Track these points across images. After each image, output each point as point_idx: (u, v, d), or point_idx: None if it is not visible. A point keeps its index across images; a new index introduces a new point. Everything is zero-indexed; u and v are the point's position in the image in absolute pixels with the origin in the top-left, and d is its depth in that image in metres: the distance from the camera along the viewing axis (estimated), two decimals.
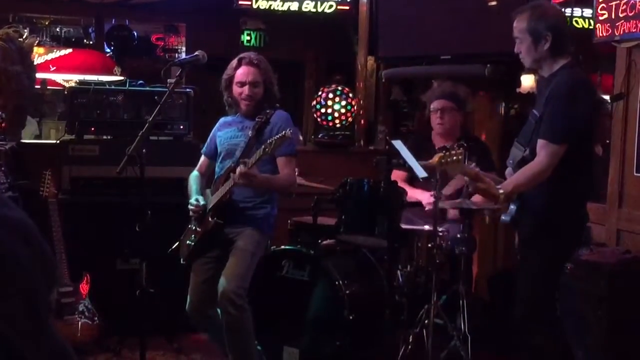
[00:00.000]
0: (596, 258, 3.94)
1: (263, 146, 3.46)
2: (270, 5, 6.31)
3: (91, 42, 7.93)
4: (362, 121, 6.36)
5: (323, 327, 4.05)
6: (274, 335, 4.14)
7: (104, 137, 4.93)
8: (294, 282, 4.14)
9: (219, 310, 3.75)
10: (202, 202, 3.82)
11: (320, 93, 6.21)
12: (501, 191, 3.12)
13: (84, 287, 4.41)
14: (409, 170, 4.50)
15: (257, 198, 3.85)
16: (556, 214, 3.28)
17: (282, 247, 4.27)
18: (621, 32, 4.15)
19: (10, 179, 4.31)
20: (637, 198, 4.22)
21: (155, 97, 4.60)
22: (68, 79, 6.57)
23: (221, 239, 3.82)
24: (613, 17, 4.20)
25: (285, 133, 3.41)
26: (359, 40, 6.38)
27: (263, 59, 3.94)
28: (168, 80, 4.37)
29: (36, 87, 5.58)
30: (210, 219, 3.79)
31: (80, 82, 5.02)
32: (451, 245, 4.29)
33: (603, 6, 4.27)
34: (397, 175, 4.34)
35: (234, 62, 3.92)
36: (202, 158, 4.10)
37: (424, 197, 4.47)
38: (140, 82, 4.97)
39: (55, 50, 6.91)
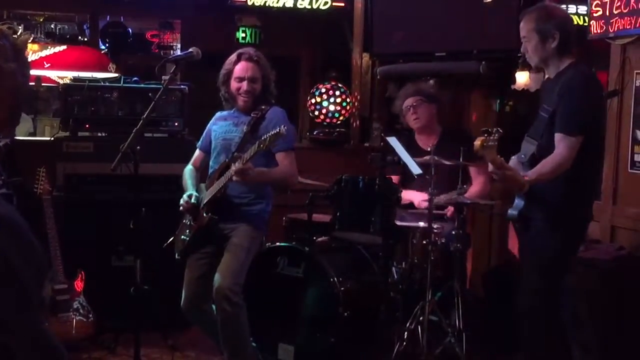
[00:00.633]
0: (591, 255, 3.95)
1: (257, 142, 3.46)
2: (265, 2, 6.31)
3: (86, 39, 7.92)
4: (357, 118, 6.36)
5: (318, 323, 4.05)
6: (269, 332, 4.14)
7: (99, 134, 4.92)
8: (288, 278, 4.14)
9: (213, 306, 3.76)
10: (194, 199, 3.81)
11: (315, 90, 6.21)
12: (527, 179, 3.16)
13: (79, 284, 4.41)
14: (402, 171, 4.52)
15: (252, 194, 3.85)
16: (571, 208, 3.33)
17: (277, 243, 4.27)
18: (615, 29, 4.16)
19: (4, 176, 4.30)
20: (631, 195, 4.23)
21: (150, 94, 4.60)
22: (62, 76, 6.56)
23: (216, 234, 3.81)
24: (607, 13, 4.21)
25: (279, 130, 3.40)
26: (354, 37, 6.38)
27: (262, 56, 3.92)
28: (163, 77, 4.36)
29: (30, 84, 5.56)
30: (204, 214, 3.78)
31: (75, 79, 5.01)
32: (446, 241, 4.30)
33: (597, 3, 4.28)
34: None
35: (233, 57, 3.90)
36: (197, 152, 4.10)
37: (417, 197, 4.48)
38: (135, 78, 4.96)
39: (49, 47, 6.89)
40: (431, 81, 5.23)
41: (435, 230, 4.16)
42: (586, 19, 4.56)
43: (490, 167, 3.12)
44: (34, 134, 7.32)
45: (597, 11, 4.27)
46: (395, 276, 4.32)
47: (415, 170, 4.24)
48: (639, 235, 4.12)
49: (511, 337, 4.07)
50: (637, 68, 4.20)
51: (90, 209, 4.67)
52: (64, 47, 7.01)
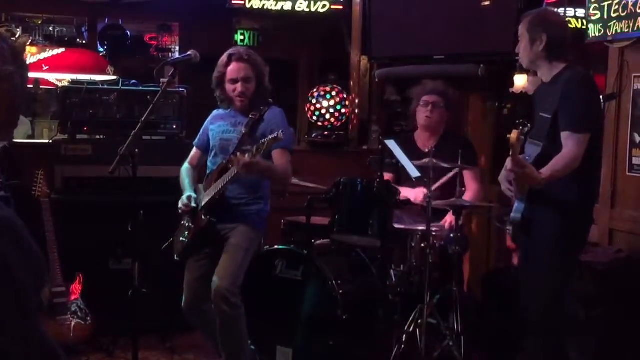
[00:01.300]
0: (589, 258, 3.95)
1: (256, 146, 3.46)
2: (264, 5, 6.31)
3: (84, 42, 7.90)
4: (356, 121, 6.36)
5: (316, 326, 4.05)
6: (267, 334, 4.14)
7: (97, 136, 4.92)
8: (287, 281, 4.14)
9: (213, 306, 3.75)
10: (193, 202, 3.82)
11: (314, 93, 6.21)
12: (542, 176, 3.16)
13: (77, 287, 4.41)
14: (396, 170, 4.52)
15: (250, 195, 3.86)
16: (580, 209, 3.34)
17: (276, 246, 4.27)
18: (613, 32, 4.17)
19: (3, 179, 4.30)
20: (630, 198, 4.23)
21: (148, 97, 4.60)
22: (61, 79, 6.54)
23: (214, 236, 3.82)
24: (605, 17, 4.21)
25: (278, 135, 3.41)
26: (353, 39, 6.38)
27: (253, 53, 3.92)
28: (161, 79, 4.36)
29: (29, 86, 5.57)
30: (203, 217, 3.79)
31: (73, 82, 5.00)
32: (444, 244, 4.30)
33: (595, 6, 4.28)
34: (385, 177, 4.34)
35: (224, 58, 3.89)
36: (194, 150, 4.10)
37: (412, 194, 4.47)
38: (134, 81, 4.97)
39: (48, 50, 6.88)
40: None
41: (434, 233, 4.16)
42: (584, 22, 4.56)
43: (509, 165, 3.12)
44: (32, 137, 7.30)
45: (595, 14, 4.28)
46: (394, 279, 4.32)
47: (414, 173, 4.24)
48: (637, 238, 4.12)
49: (509, 340, 4.07)
50: (635, 71, 4.20)
51: (88, 211, 4.67)
52: (62, 49, 7.00)
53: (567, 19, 5.60)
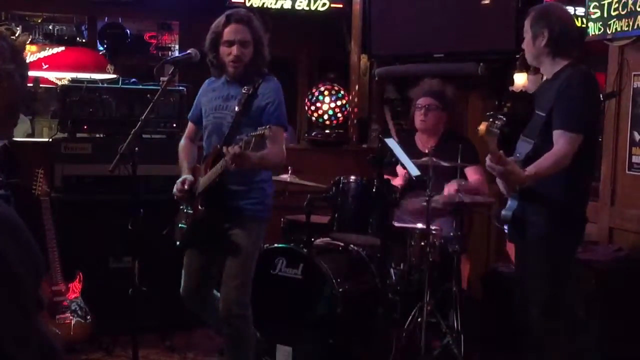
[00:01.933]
0: (588, 256, 3.95)
1: (244, 141, 3.14)
2: (264, 3, 6.31)
3: (84, 40, 7.92)
4: (355, 119, 6.36)
5: (316, 325, 4.05)
6: (267, 333, 4.14)
7: (97, 135, 4.91)
8: (287, 280, 4.14)
9: (215, 292, 3.67)
10: (187, 186, 3.56)
11: (313, 91, 6.21)
12: (526, 174, 3.10)
13: (77, 286, 4.41)
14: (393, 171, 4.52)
15: (250, 178, 3.57)
16: (571, 208, 3.27)
17: (275, 245, 4.27)
18: (613, 31, 4.17)
19: (3, 177, 4.30)
20: (629, 196, 4.24)
21: (148, 95, 4.60)
22: (61, 77, 6.55)
23: (213, 226, 3.59)
24: (605, 15, 4.21)
25: (264, 132, 3.11)
26: (352, 38, 6.38)
27: (253, 17, 3.61)
28: (161, 78, 4.36)
29: (29, 85, 5.56)
30: (199, 206, 3.56)
31: (73, 80, 5.00)
32: (444, 243, 4.30)
33: (595, 5, 4.28)
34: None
35: (222, 19, 3.58)
36: (189, 125, 3.87)
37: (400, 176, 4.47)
38: (133, 80, 4.97)
39: (47, 48, 6.90)
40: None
41: (433, 232, 4.16)
42: (584, 20, 4.56)
43: (488, 161, 3.04)
44: (31, 135, 7.31)
45: (595, 13, 4.28)
46: (394, 277, 4.32)
47: (414, 171, 4.24)
48: (637, 236, 4.12)
49: (509, 338, 4.07)
50: (635, 70, 4.20)
51: (88, 210, 4.67)
52: (62, 48, 7.02)
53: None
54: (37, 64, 6.42)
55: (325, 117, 6.13)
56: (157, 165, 4.64)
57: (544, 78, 3.53)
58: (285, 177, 4.64)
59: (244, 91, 3.49)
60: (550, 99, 3.23)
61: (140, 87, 4.89)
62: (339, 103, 6.14)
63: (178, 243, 3.74)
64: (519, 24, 4.76)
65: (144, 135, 4.60)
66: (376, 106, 6.48)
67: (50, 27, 8.11)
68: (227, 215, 3.57)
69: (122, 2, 6.94)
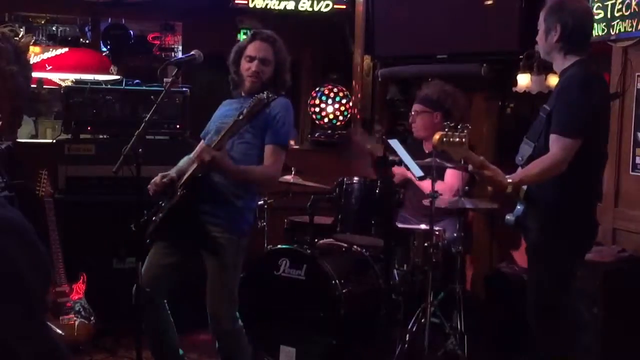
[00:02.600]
0: (592, 257, 3.94)
1: (234, 119, 3.08)
2: (267, 5, 6.32)
3: (87, 41, 7.91)
4: (359, 120, 6.36)
5: (319, 326, 4.05)
6: (271, 334, 4.14)
7: (100, 136, 4.92)
8: (290, 281, 4.14)
9: (166, 305, 3.56)
10: (167, 178, 3.47)
11: (316, 92, 6.21)
12: (509, 180, 3.01)
13: (80, 287, 4.41)
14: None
15: (235, 185, 3.45)
16: (565, 215, 3.14)
17: (279, 246, 4.27)
18: (617, 32, 4.16)
19: (6, 179, 4.30)
20: (633, 197, 4.23)
21: (152, 97, 4.60)
22: (64, 78, 6.55)
23: (190, 218, 3.43)
24: (609, 16, 4.21)
25: (260, 96, 3.06)
26: (355, 39, 6.38)
27: (278, 39, 3.62)
28: (164, 79, 4.36)
29: (32, 86, 5.56)
30: (179, 191, 3.42)
31: (77, 81, 5.01)
32: (447, 243, 4.30)
33: (599, 5, 4.28)
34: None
35: (248, 36, 3.65)
36: (201, 142, 3.75)
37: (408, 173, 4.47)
38: (137, 81, 4.97)
39: (51, 49, 6.89)
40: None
41: (437, 233, 4.15)
42: None
43: (470, 166, 3.00)
44: (35, 137, 7.32)
45: (599, 13, 4.27)
46: (397, 278, 4.32)
47: (417, 172, 4.24)
48: None
49: (513, 339, 4.07)
50: (638, 70, 4.20)
51: (91, 211, 4.68)
52: (65, 49, 7.01)
53: None
54: (40, 65, 6.41)
55: (329, 118, 6.13)
56: (160, 166, 4.62)
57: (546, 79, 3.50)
58: (288, 178, 4.65)
59: (254, 98, 3.35)
60: (551, 100, 3.16)
61: (144, 88, 4.90)
62: (342, 104, 6.14)
63: (147, 238, 3.51)
64: (522, 24, 4.77)
65: (147, 137, 4.58)
66: (379, 107, 6.48)
67: (54, 28, 8.11)
68: (208, 212, 3.44)
69: (125, 3, 6.94)
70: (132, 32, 7.75)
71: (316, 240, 4.34)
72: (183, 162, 3.70)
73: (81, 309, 4.36)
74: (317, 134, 6.28)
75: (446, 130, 2.89)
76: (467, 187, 4.43)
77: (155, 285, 3.50)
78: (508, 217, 3.32)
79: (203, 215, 3.44)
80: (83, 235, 4.61)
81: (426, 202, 4.11)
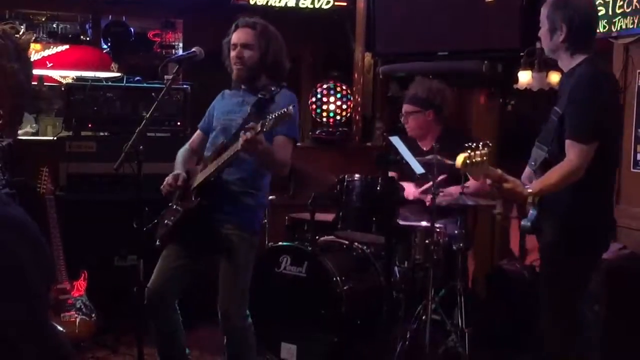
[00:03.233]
0: None
1: (261, 122, 3.05)
2: (268, 2, 6.31)
3: (88, 39, 7.91)
4: (359, 118, 6.36)
5: (320, 323, 4.05)
6: (272, 331, 4.14)
7: (101, 133, 4.92)
8: (291, 278, 4.15)
9: (176, 306, 3.57)
10: (180, 181, 3.49)
11: (317, 89, 6.21)
12: (529, 190, 2.95)
13: (82, 284, 4.41)
14: (400, 168, 4.51)
15: (248, 182, 3.46)
16: (579, 216, 3.08)
17: (280, 243, 4.28)
18: (618, 28, 4.16)
19: (7, 176, 4.31)
20: (634, 194, 4.22)
21: (153, 94, 4.61)
22: (65, 76, 6.56)
23: (203, 222, 3.44)
24: (610, 13, 4.20)
25: (287, 110, 3.01)
26: (356, 36, 6.38)
27: (263, 23, 3.56)
28: (165, 76, 4.36)
29: (33, 83, 5.56)
30: (193, 197, 3.44)
31: (77, 79, 5.01)
32: (448, 241, 4.30)
33: (600, 2, 4.27)
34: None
35: (232, 27, 3.60)
36: (197, 132, 3.79)
37: (410, 189, 4.46)
38: (138, 78, 4.97)
39: (52, 47, 6.90)
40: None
41: (438, 230, 4.15)
42: None
43: (488, 180, 2.94)
44: (36, 134, 7.32)
45: (600, 10, 4.27)
46: (398, 275, 4.32)
47: (418, 169, 4.24)
48: None
49: (514, 336, 4.07)
50: (639, 67, 4.19)
51: (93, 208, 4.68)
52: (66, 46, 7.02)
53: None
54: (41, 63, 6.42)
55: (330, 115, 6.13)
56: (162, 163, 4.62)
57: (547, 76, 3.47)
58: None
59: (260, 95, 3.43)
60: (563, 103, 3.05)
61: (145, 85, 4.90)
62: (342, 101, 6.14)
63: (158, 241, 3.54)
64: (524, 21, 4.77)
65: (148, 134, 4.58)
66: (380, 104, 6.47)
67: (54, 26, 8.12)
68: (219, 214, 3.45)
69: (126, 1, 6.95)
70: (132, 30, 7.75)
71: (317, 237, 4.34)
72: (182, 155, 3.71)
73: (82, 306, 4.36)
74: (318, 131, 6.27)
75: (468, 152, 2.81)
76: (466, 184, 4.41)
77: (167, 287, 3.52)
78: (523, 222, 3.23)
79: (215, 214, 3.44)
80: (84, 233, 4.61)
81: (427, 199, 4.11)
